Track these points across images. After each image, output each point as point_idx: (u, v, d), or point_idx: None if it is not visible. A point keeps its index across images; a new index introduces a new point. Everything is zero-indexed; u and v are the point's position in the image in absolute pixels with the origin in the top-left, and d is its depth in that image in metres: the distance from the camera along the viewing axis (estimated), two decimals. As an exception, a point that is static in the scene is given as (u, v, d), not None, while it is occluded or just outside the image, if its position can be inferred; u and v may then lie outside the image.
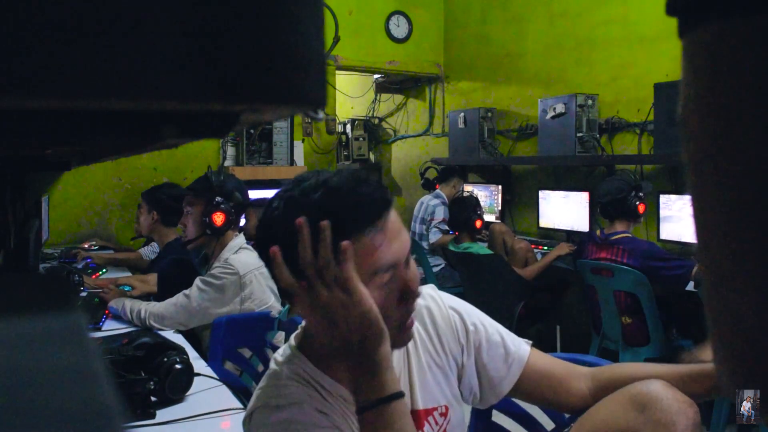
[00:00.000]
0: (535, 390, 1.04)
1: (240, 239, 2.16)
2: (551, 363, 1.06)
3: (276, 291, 2.18)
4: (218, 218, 2.09)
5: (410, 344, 0.98)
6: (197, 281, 2.04)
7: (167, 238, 2.92)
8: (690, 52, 0.29)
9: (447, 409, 1.00)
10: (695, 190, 0.30)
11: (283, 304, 2.22)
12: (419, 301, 0.96)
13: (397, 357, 0.96)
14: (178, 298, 2.03)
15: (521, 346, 1.05)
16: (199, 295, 2.01)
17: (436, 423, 0.98)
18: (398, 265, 0.84)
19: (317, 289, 0.77)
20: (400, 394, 0.79)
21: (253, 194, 4.13)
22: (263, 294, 2.09)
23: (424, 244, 4.25)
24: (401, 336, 0.87)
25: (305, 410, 0.84)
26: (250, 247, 2.18)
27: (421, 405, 0.97)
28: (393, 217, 0.85)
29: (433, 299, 1.04)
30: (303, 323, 0.98)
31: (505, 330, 1.06)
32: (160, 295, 2.33)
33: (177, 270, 2.42)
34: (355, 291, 0.77)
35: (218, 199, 2.10)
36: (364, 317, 0.77)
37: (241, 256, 2.09)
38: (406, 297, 0.85)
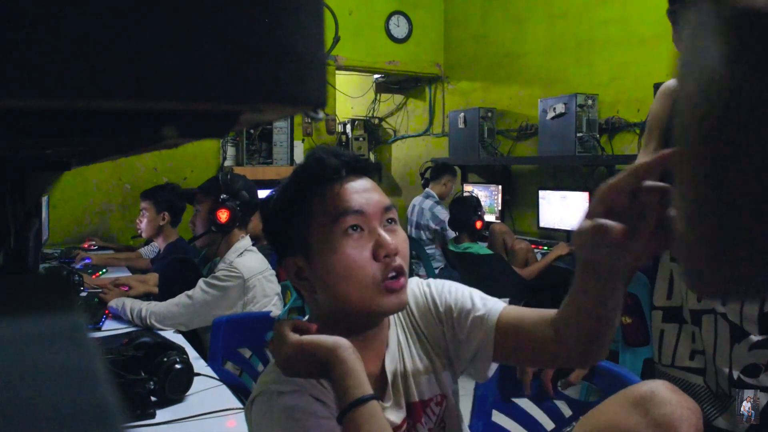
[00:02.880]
0: (513, 346, 0.96)
1: (245, 241, 2.17)
2: (523, 314, 0.97)
3: (279, 293, 2.20)
4: (222, 215, 2.11)
5: (402, 337, 0.99)
6: (200, 283, 2.04)
7: (170, 238, 2.93)
8: None
9: (442, 398, 1.00)
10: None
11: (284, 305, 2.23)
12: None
13: (392, 350, 0.97)
14: (181, 298, 2.03)
15: (494, 306, 0.99)
16: (202, 296, 2.01)
17: (433, 413, 0.99)
18: (367, 218, 0.89)
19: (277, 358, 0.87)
20: (360, 401, 0.79)
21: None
22: (265, 298, 2.10)
23: (428, 250, 4.19)
24: (387, 298, 0.88)
25: (306, 398, 0.85)
26: (255, 249, 2.19)
27: (417, 397, 0.97)
28: (363, 180, 0.92)
29: (411, 291, 1.03)
30: (304, 319, 0.98)
31: (480, 295, 1.01)
32: (161, 295, 2.33)
33: (178, 270, 2.42)
34: (283, 337, 0.85)
35: (224, 196, 2.12)
36: (303, 351, 0.83)
37: (245, 259, 2.10)
38: (378, 253, 0.87)
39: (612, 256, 0.68)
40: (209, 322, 1.98)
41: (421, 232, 4.22)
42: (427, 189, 4.37)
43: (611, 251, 0.67)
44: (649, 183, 0.62)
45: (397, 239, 0.90)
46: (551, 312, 0.92)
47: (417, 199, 4.37)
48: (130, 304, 2.09)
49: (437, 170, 4.44)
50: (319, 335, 0.86)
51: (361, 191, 0.90)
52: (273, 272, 2.21)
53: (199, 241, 2.19)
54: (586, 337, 0.85)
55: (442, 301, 1.01)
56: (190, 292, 2.03)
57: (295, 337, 0.85)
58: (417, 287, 1.04)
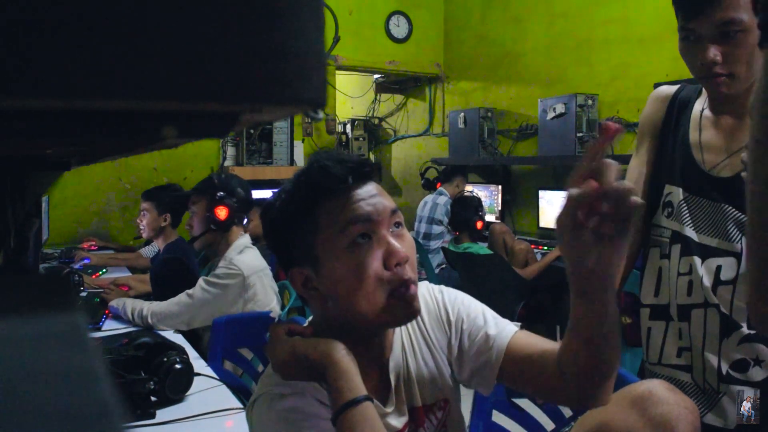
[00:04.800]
0: (521, 373, 0.95)
1: (245, 239, 2.18)
2: (534, 343, 0.96)
3: (278, 292, 2.21)
4: (221, 212, 2.11)
5: (407, 341, 0.98)
6: (201, 281, 2.05)
7: (170, 239, 2.93)
8: None
9: (446, 403, 0.99)
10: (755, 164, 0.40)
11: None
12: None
13: (396, 354, 0.96)
14: (181, 297, 2.04)
15: (506, 327, 0.98)
16: (202, 295, 2.02)
17: (436, 418, 0.98)
18: (376, 226, 0.86)
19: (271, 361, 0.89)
20: (353, 402, 0.79)
21: (253, 194, 4.14)
22: (266, 296, 2.10)
23: (432, 244, 4.24)
24: (400, 309, 0.86)
25: (307, 400, 0.85)
26: (254, 247, 2.20)
27: (420, 402, 0.96)
28: (368, 186, 0.88)
29: (422, 296, 1.01)
30: (307, 321, 0.98)
31: (493, 314, 1.01)
32: (155, 295, 2.34)
33: (169, 270, 2.43)
34: (278, 341, 0.86)
35: (221, 194, 2.12)
36: (297, 354, 0.84)
37: (245, 257, 2.11)
38: (389, 262, 0.85)
39: (585, 246, 0.74)
40: (210, 321, 1.99)
41: (433, 226, 4.28)
42: (440, 188, 4.46)
43: (589, 240, 0.74)
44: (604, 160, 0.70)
45: (405, 245, 0.88)
46: (558, 345, 0.91)
47: (430, 197, 4.47)
48: (131, 304, 2.09)
49: (448, 172, 4.52)
50: (313, 338, 0.86)
51: (368, 198, 0.87)
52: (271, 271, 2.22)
53: (198, 242, 2.19)
54: (584, 373, 0.85)
55: (455, 310, 1.01)
56: (190, 291, 2.03)
57: (289, 340, 0.85)
58: (428, 292, 1.03)
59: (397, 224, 0.89)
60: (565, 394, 0.90)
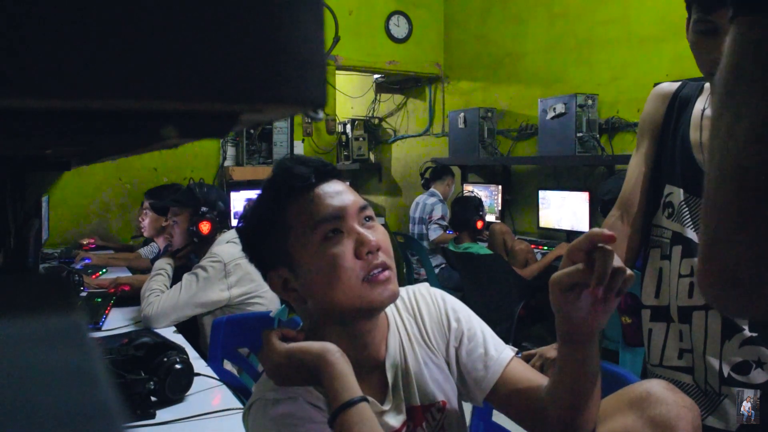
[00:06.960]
0: (509, 400, 0.97)
1: (229, 234, 2.25)
2: (527, 376, 0.98)
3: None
4: (205, 227, 2.20)
5: (405, 340, 0.99)
6: (185, 275, 2.12)
7: (170, 239, 2.95)
8: (735, 34, 0.44)
9: (444, 404, 0.99)
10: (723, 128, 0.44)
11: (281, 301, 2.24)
12: (411, 298, 1.03)
13: (393, 353, 0.97)
14: (169, 293, 2.10)
15: (503, 352, 1.00)
16: (187, 286, 2.08)
17: (434, 419, 0.98)
18: (345, 220, 0.89)
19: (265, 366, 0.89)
20: (349, 403, 0.79)
21: (253, 194, 4.15)
22: (252, 282, 2.15)
23: (425, 244, 4.26)
24: (376, 291, 0.88)
25: (301, 404, 0.85)
26: (236, 241, 2.24)
27: (418, 401, 0.97)
28: (333, 183, 0.93)
29: (422, 296, 1.04)
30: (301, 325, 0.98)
31: (491, 333, 1.03)
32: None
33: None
34: (271, 347, 0.86)
35: (204, 209, 2.17)
36: (292, 359, 0.84)
37: (225, 247, 2.18)
38: (360, 251, 0.88)
39: (578, 305, 0.82)
40: (199, 309, 2.08)
41: (423, 227, 4.31)
42: (431, 189, 4.49)
43: (578, 300, 0.81)
44: (602, 245, 0.78)
45: (377, 235, 0.90)
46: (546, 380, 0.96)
47: (421, 197, 4.53)
48: (148, 294, 2.09)
49: (439, 171, 4.54)
50: (307, 342, 0.87)
51: (334, 194, 0.91)
52: None
53: (181, 252, 2.28)
54: (566, 411, 0.89)
55: (457, 319, 1.03)
56: (176, 285, 2.10)
57: (283, 345, 0.86)
58: (430, 295, 1.05)
59: (368, 218, 0.93)
60: (547, 428, 0.93)
